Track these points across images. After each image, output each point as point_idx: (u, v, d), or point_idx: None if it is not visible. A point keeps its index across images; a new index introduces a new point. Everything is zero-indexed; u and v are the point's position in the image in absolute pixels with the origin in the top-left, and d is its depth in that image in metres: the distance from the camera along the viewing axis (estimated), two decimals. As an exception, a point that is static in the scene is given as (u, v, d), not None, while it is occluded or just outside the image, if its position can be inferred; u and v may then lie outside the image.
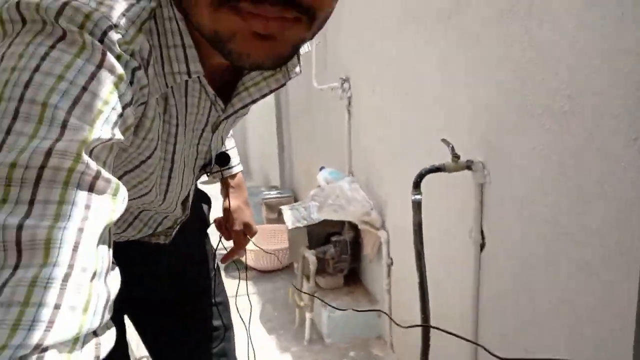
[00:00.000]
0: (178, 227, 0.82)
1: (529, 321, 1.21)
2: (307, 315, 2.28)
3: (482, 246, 1.38)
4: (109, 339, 0.43)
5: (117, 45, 0.45)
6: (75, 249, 0.39)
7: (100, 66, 0.43)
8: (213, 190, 1.18)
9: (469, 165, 1.34)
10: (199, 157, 0.71)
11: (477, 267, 1.40)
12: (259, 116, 4.76)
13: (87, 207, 0.41)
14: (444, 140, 1.38)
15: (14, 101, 0.41)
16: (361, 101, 2.23)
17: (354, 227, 2.33)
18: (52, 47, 0.42)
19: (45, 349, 0.36)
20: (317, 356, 2.18)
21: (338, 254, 2.32)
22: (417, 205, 1.32)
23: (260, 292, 2.86)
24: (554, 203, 1.09)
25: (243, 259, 1.15)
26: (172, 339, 0.94)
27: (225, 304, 1.03)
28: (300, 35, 0.48)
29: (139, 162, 0.58)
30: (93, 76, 0.43)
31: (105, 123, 0.44)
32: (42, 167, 0.39)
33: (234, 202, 1.05)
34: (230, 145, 1.05)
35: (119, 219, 0.67)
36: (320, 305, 2.31)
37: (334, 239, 2.33)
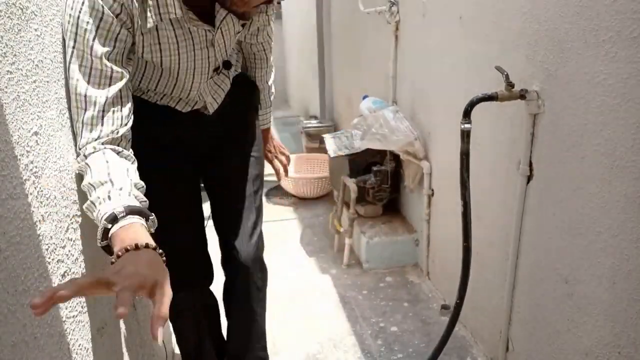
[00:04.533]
0: (215, 106, 1.21)
1: (572, 253, 1.21)
2: (347, 240, 2.36)
3: (529, 178, 1.36)
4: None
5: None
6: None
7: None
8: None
9: (522, 95, 1.29)
10: (211, 62, 1.11)
11: (522, 199, 1.39)
12: (299, 43, 4.65)
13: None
14: (498, 68, 1.33)
15: None
16: (410, 26, 2.14)
17: (395, 157, 2.32)
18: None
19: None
20: (355, 279, 2.27)
21: (378, 183, 2.34)
22: (465, 135, 1.30)
23: (300, 217, 2.95)
24: (613, 136, 1.05)
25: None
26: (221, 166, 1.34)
27: (260, 158, 1.40)
28: None
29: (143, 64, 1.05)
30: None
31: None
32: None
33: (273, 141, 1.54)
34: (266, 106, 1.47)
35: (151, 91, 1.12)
36: (359, 232, 2.37)
37: (375, 168, 2.35)
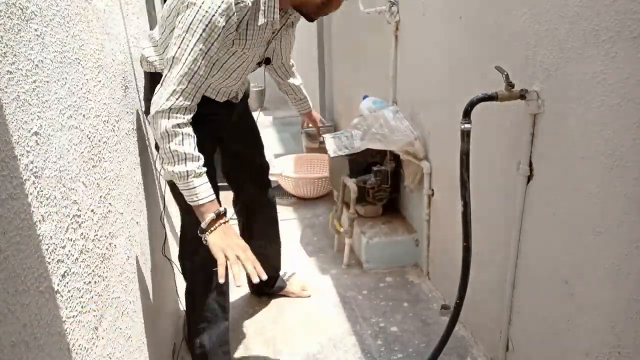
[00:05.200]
0: (240, 95, 1.60)
1: (572, 253, 1.21)
2: (347, 241, 2.36)
3: (530, 178, 1.36)
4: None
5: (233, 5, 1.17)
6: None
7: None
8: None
9: (522, 95, 1.29)
10: (259, 56, 1.45)
11: (522, 199, 1.39)
12: (299, 43, 4.64)
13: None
14: (498, 68, 1.33)
15: None
16: (410, 26, 2.14)
17: (395, 157, 2.32)
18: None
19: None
20: (355, 279, 2.27)
21: (378, 183, 2.34)
22: (465, 135, 1.30)
23: (300, 217, 2.95)
24: (613, 136, 1.05)
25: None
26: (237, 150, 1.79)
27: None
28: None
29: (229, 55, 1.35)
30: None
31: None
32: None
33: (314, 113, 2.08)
34: (302, 94, 2.02)
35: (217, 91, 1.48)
36: (359, 232, 2.37)
37: (375, 168, 2.34)
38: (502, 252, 1.53)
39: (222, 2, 1.14)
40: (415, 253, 2.34)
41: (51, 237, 0.81)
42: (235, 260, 1.17)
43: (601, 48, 1.05)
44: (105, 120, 1.15)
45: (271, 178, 1.96)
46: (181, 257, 1.60)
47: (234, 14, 1.16)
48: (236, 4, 1.17)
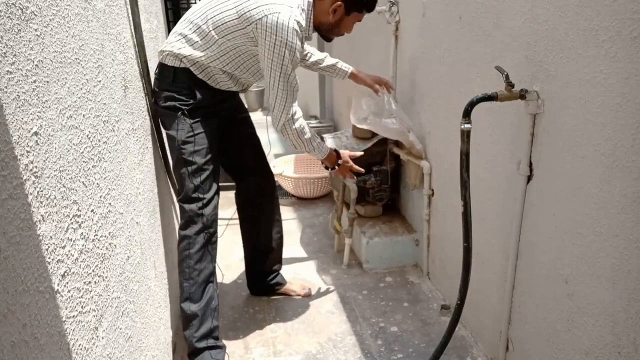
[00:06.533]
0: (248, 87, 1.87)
1: (572, 253, 1.21)
2: (347, 241, 2.36)
3: (530, 178, 1.36)
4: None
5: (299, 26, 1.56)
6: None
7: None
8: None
9: (522, 95, 1.29)
10: None
11: (522, 199, 1.39)
12: (300, 43, 4.64)
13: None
14: (497, 68, 1.33)
15: None
16: (410, 26, 2.14)
17: (395, 157, 2.32)
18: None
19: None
20: (355, 279, 2.27)
21: (378, 183, 2.34)
22: (465, 135, 1.29)
23: (300, 217, 2.95)
24: (613, 136, 1.05)
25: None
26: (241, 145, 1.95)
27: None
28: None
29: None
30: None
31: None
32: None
33: (364, 74, 2.16)
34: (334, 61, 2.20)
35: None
36: (359, 232, 2.37)
37: (375, 168, 2.34)
38: (502, 252, 1.53)
39: (295, 31, 1.51)
40: (415, 253, 2.34)
41: (51, 237, 0.81)
42: (350, 176, 1.96)
43: (601, 48, 1.05)
44: (105, 120, 1.15)
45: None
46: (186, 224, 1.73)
47: (301, 35, 1.56)
48: (300, 27, 1.54)
